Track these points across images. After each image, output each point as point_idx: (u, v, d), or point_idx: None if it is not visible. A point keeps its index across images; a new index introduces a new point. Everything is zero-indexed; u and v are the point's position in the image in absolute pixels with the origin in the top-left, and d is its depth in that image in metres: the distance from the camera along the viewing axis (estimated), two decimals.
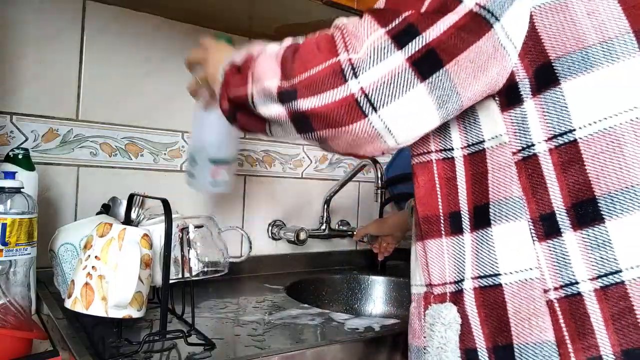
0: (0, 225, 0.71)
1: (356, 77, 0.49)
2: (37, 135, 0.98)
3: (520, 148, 0.53)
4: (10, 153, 0.83)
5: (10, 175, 0.74)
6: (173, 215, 0.70)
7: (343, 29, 0.51)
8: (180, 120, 1.15)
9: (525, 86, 0.52)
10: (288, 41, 0.57)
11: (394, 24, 0.49)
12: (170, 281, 0.70)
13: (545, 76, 0.52)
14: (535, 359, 0.51)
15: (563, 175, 0.51)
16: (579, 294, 0.50)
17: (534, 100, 0.52)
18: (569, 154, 0.51)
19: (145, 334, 0.68)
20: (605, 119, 0.51)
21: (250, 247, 1.04)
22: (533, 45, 0.52)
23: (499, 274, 0.54)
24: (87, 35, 1.03)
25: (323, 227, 1.36)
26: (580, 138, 0.51)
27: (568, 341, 0.50)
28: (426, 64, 0.49)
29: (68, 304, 0.66)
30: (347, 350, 0.73)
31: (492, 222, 0.55)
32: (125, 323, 0.71)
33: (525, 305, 0.53)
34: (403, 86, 0.49)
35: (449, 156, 0.57)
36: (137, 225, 0.79)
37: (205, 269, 0.78)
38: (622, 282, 0.49)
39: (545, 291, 0.52)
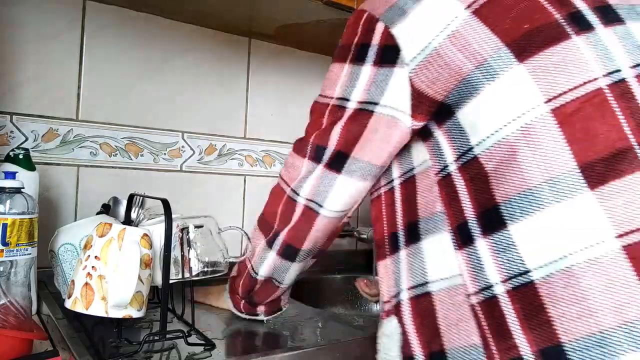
0: (1, 225, 0.71)
1: (299, 195, 0.67)
2: (37, 135, 0.98)
3: (439, 169, 0.59)
4: (11, 153, 0.83)
5: (11, 175, 0.74)
6: (173, 215, 0.70)
7: (283, 169, 0.71)
8: (180, 120, 1.15)
9: (431, 124, 0.60)
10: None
11: (307, 151, 0.67)
12: (170, 281, 0.70)
13: (439, 114, 0.59)
14: None
15: (472, 187, 0.56)
16: (494, 296, 0.52)
17: (440, 129, 0.59)
18: (474, 170, 0.56)
19: (145, 334, 0.68)
20: (501, 128, 0.53)
21: None
22: (419, 102, 0.59)
23: (427, 282, 0.58)
24: (87, 35, 1.03)
25: None
26: (479, 154, 0.55)
27: (492, 343, 0.52)
28: (337, 162, 0.64)
29: (68, 304, 0.66)
30: (347, 350, 0.73)
31: (422, 236, 0.60)
32: (125, 323, 0.71)
33: (454, 311, 0.55)
34: (328, 183, 0.65)
35: (391, 186, 0.66)
36: (137, 225, 0.79)
37: (205, 269, 0.78)
38: (532, 282, 0.50)
39: (468, 296, 0.54)
